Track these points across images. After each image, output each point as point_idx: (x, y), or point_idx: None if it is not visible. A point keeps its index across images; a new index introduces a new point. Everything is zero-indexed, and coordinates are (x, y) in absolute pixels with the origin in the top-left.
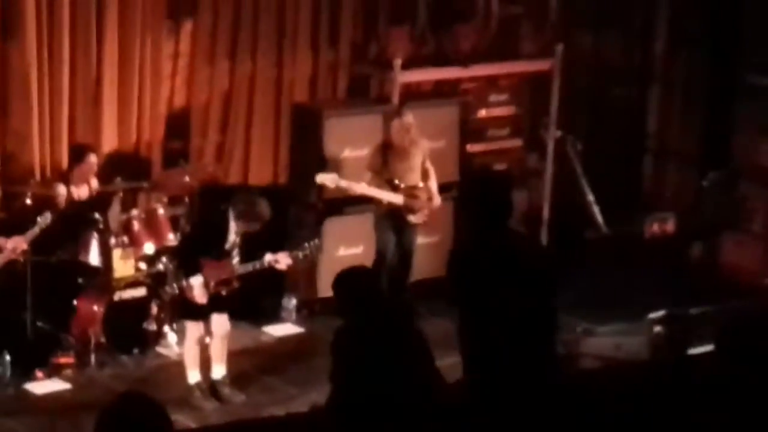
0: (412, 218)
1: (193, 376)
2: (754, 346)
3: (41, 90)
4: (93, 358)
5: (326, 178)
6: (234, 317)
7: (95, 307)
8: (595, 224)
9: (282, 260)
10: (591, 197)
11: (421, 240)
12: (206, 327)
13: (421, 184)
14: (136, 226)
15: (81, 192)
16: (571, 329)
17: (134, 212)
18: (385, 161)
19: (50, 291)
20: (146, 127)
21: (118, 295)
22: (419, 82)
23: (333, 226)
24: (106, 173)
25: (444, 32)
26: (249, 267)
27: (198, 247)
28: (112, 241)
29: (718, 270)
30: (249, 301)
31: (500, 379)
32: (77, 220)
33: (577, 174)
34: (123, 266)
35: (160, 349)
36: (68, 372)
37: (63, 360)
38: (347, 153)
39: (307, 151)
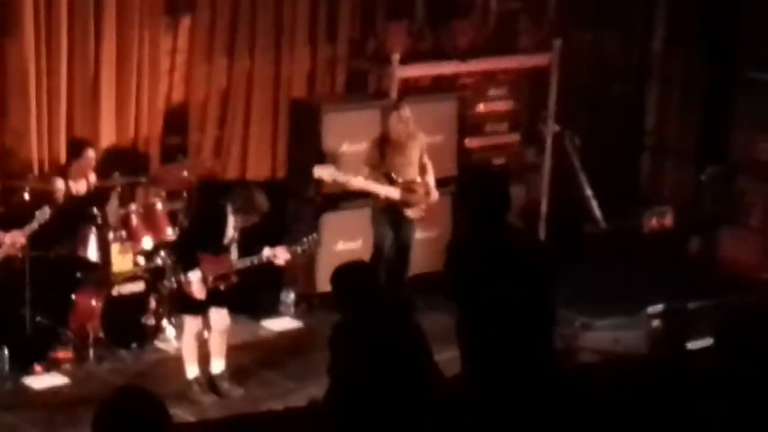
0: (409, 213)
1: (192, 371)
2: (752, 340)
3: (39, 85)
4: (91, 352)
5: (323, 172)
6: (232, 311)
7: (94, 302)
8: (593, 219)
9: (280, 255)
10: (589, 192)
11: (419, 234)
12: (204, 321)
13: (418, 179)
14: (134, 220)
15: (79, 187)
16: (570, 323)
17: (132, 207)
18: (383, 155)
19: (49, 286)
20: (144, 122)
21: (116, 290)
22: (417, 77)
23: (331, 221)
24: (104, 168)
25: (442, 27)
26: (247, 262)
27: (196, 242)
28: (111, 235)
29: (716, 264)
30: (247, 296)
31: (499, 374)
32: (75, 215)
33: (575, 169)
34: (121, 261)
35: (158, 344)
36: (67, 366)
37: (61, 354)
38: (345, 148)
39: (306, 146)
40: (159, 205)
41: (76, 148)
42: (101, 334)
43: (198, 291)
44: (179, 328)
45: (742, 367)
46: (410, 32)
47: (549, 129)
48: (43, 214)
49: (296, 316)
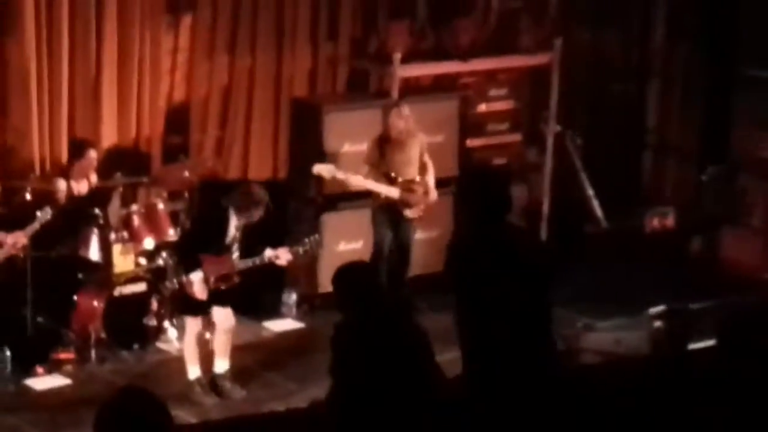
0: (408, 212)
1: (194, 372)
2: (755, 340)
3: (41, 85)
4: (93, 353)
5: (323, 169)
6: (234, 312)
7: (95, 303)
8: (594, 219)
9: (282, 256)
10: (591, 192)
11: (420, 235)
12: (206, 322)
13: (418, 178)
14: (136, 221)
15: (81, 187)
16: (571, 324)
17: (134, 207)
18: (383, 154)
19: (50, 286)
20: (146, 122)
21: (118, 291)
22: (418, 77)
23: (333, 221)
24: (105, 168)
25: (443, 27)
26: (249, 263)
27: (198, 243)
28: (112, 236)
29: (717, 264)
30: (249, 296)
31: (500, 374)
32: (77, 216)
33: (576, 168)
34: (123, 261)
35: (160, 345)
36: (68, 367)
37: (63, 355)
38: (347, 147)
39: (307, 145)
40: (160, 206)
41: (77, 149)
42: (103, 335)
43: (199, 292)
44: (181, 329)
45: (745, 368)
46: (412, 32)
47: (550, 129)
48: (45, 214)
49: (298, 317)
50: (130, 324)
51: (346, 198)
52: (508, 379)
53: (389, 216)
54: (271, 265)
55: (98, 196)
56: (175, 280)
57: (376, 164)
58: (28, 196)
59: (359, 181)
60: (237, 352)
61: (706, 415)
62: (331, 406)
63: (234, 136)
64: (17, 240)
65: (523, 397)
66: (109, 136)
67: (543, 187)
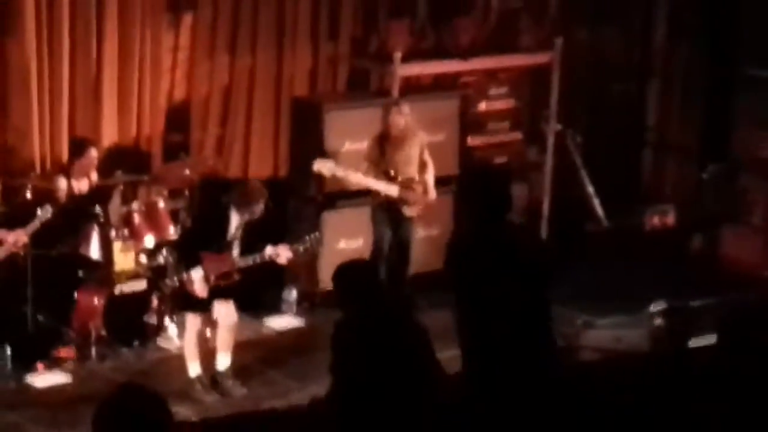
0: (406, 211)
1: (194, 369)
2: (755, 338)
3: (41, 84)
4: (94, 350)
5: (323, 166)
6: (236, 309)
7: (96, 300)
8: (595, 217)
9: (282, 253)
10: (591, 190)
11: (421, 233)
12: (206, 320)
13: (417, 177)
14: (136, 219)
15: (81, 185)
16: (572, 322)
17: (134, 205)
18: (383, 152)
19: (51, 284)
20: (146, 120)
21: (118, 288)
22: (419, 76)
23: (333, 219)
24: (106, 166)
25: (444, 25)
26: (249, 260)
27: (198, 241)
28: (113, 234)
29: (718, 262)
30: (250, 294)
31: (500, 371)
32: (78, 214)
33: (577, 167)
34: (123, 259)
35: (160, 342)
36: (69, 365)
37: (64, 353)
38: (347, 146)
39: (307, 144)
40: (161, 204)
41: (78, 147)
42: (103, 333)
43: (200, 289)
44: (181, 327)
45: (744, 365)
46: (412, 30)
47: (551, 127)
48: (46, 212)
49: (298, 314)
50: (130, 321)
51: (346, 196)
52: (508, 377)
53: (389, 214)
54: (271, 263)
55: (99, 195)
56: (175, 278)
57: (376, 162)
58: (28, 195)
59: (359, 178)
60: (237, 349)
61: (705, 412)
62: (331, 404)
63: (235, 135)
64: (18, 238)
65: (523, 395)
66: (109, 135)
67: (543, 186)
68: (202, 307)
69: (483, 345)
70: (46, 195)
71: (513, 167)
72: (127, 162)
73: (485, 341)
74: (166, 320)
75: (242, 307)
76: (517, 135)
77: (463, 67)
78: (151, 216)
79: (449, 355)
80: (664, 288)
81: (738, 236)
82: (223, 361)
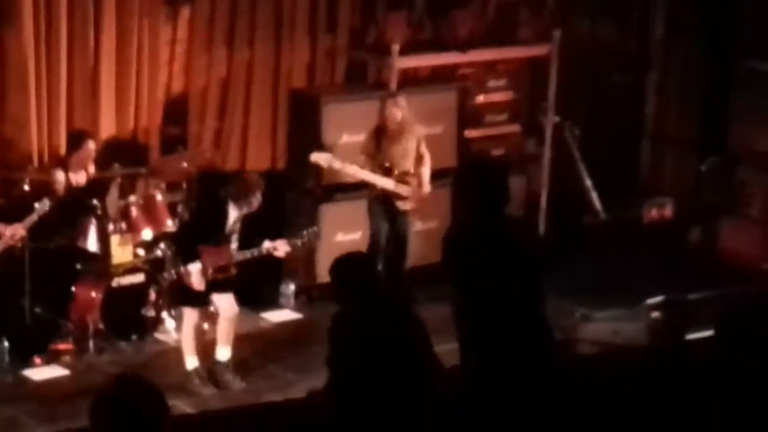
0: (400, 204)
1: (191, 362)
2: (753, 331)
3: (39, 76)
4: (91, 344)
5: (321, 157)
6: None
7: (93, 294)
8: (593, 210)
9: (280, 248)
10: (589, 183)
11: (418, 226)
12: (204, 313)
13: (413, 171)
14: (134, 212)
15: (79, 178)
16: (570, 314)
17: (132, 198)
18: (379, 145)
19: (48, 277)
20: (144, 113)
21: (116, 282)
22: (417, 68)
23: (331, 212)
24: (104, 159)
25: (442, 18)
26: (247, 254)
27: (196, 234)
28: (110, 227)
29: (716, 255)
30: (248, 287)
31: (497, 364)
32: (75, 207)
33: (575, 159)
34: (121, 252)
35: (158, 335)
36: (67, 358)
37: (61, 346)
38: (345, 139)
39: (305, 136)
40: (159, 197)
41: (76, 140)
42: (101, 326)
43: (197, 282)
44: (179, 320)
45: (743, 359)
46: (410, 23)
47: (549, 120)
48: (43, 205)
49: (296, 307)
50: (128, 315)
51: (344, 189)
52: (506, 370)
53: (385, 207)
54: (269, 257)
55: (96, 187)
56: (173, 271)
57: (373, 155)
58: (26, 188)
59: (355, 170)
60: (235, 342)
61: (704, 406)
62: (328, 397)
63: (232, 128)
64: (16, 231)
65: (521, 388)
66: (107, 127)
67: (542, 178)
68: (200, 300)
69: (481, 338)
70: (43, 188)
71: (511, 160)
72: (124, 155)
73: (483, 334)
74: (164, 313)
75: (240, 301)
76: (515, 127)
77: (461, 59)
78: (148, 209)
79: (447, 348)
80: (662, 281)
81: (736, 229)
82: (224, 353)
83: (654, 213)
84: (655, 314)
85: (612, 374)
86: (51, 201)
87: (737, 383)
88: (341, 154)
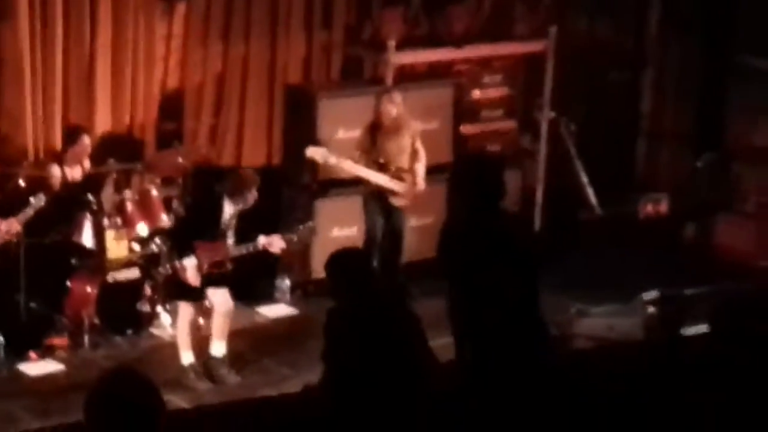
0: (394, 200)
1: (187, 357)
2: (748, 327)
3: (34, 71)
4: (87, 339)
5: (316, 152)
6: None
7: (89, 288)
8: (588, 205)
9: (275, 243)
10: (585, 178)
11: (414, 222)
12: (199, 308)
13: (408, 167)
14: (129, 207)
15: (74, 173)
16: (565, 310)
17: (127, 193)
18: (374, 141)
19: (44, 272)
20: (139, 108)
21: (111, 276)
22: (413, 64)
23: (326, 208)
24: (99, 154)
25: (437, 13)
26: (243, 249)
27: (192, 229)
28: (106, 222)
29: (711, 251)
30: (243, 282)
31: (492, 359)
32: (71, 202)
33: (570, 155)
34: (116, 247)
35: (153, 330)
36: (62, 353)
37: (56, 341)
38: (341, 134)
39: (301, 132)
40: (154, 192)
41: (71, 135)
42: (96, 321)
43: (193, 278)
44: (174, 315)
45: (737, 354)
46: (406, 18)
47: (544, 115)
48: (39, 200)
49: (291, 302)
50: (123, 310)
51: (339, 184)
52: (500, 365)
53: (380, 203)
54: (264, 252)
55: (92, 183)
56: (168, 266)
57: (368, 151)
58: (21, 183)
59: (350, 166)
60: (231, 337)
61: (698, 401)
62: (324, 392)
63: (228, 123)
64: (11, 226)
65: (515, 382)
66: (102, 123)
67: (537, 174)
68: (195, 295)
69: (476, 333)
70: (39, 183)
71: (506, 155)
72: (120, 150)
73: (478, 329)
74: (159, 308)
75: (236, 296)
76: (511, 123)
77: (457, 55)
78: (144, 204)
79: (442, 343)
80: (657, 276)
81: (731, 225)
82: (219, 348)
83: (649, 208)
84: (650, 309)
85: (607, 369)
86: (46, 196)
87: (732, 379)
88: (337, 150)
